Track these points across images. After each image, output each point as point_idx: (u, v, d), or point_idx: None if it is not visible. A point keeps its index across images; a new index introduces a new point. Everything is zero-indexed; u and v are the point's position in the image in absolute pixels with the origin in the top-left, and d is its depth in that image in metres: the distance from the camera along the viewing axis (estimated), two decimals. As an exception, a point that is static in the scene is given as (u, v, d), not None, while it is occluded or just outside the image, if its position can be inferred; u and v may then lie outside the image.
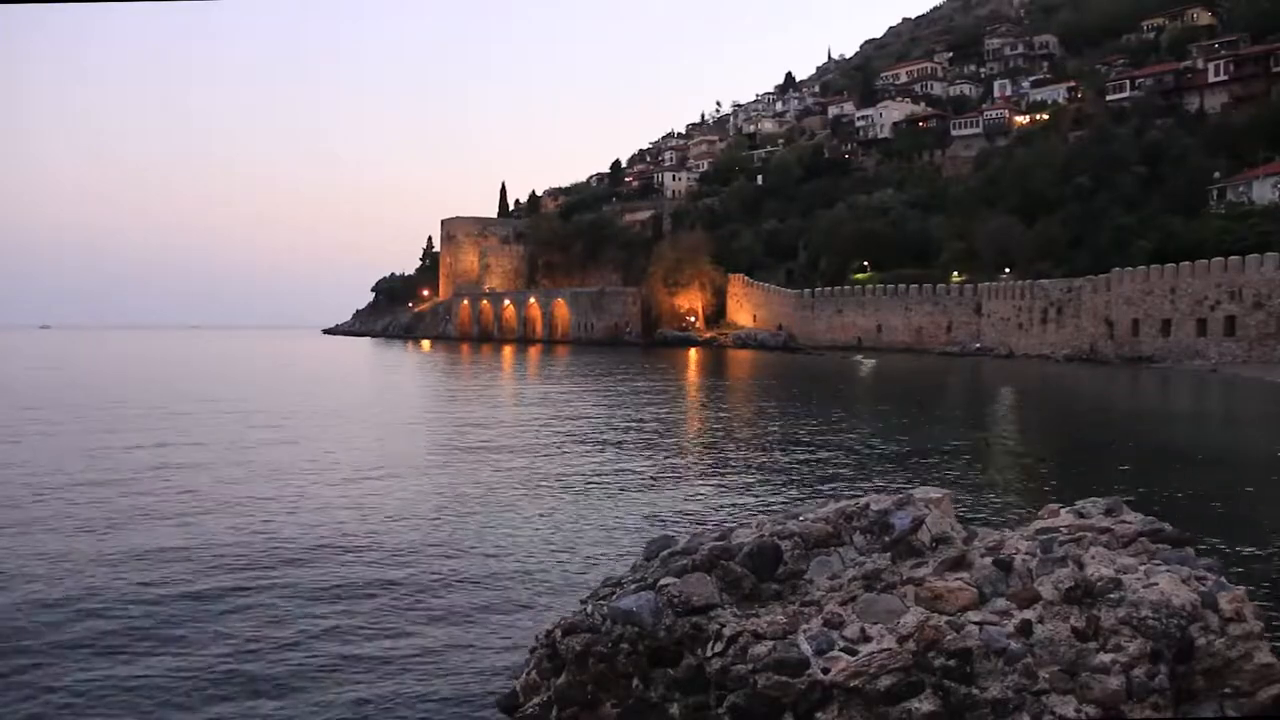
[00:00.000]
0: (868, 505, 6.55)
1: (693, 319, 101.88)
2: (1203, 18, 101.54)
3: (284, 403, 35.31)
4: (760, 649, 5.59)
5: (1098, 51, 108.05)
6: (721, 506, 15.09)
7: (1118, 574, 5.54)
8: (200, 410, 31.38)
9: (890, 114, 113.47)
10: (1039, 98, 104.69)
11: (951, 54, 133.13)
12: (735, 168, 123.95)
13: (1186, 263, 57.68)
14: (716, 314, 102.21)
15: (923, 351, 76.83)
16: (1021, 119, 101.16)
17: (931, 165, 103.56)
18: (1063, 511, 6.90)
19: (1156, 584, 5.40)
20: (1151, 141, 78.56)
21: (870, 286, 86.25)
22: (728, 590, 6.09)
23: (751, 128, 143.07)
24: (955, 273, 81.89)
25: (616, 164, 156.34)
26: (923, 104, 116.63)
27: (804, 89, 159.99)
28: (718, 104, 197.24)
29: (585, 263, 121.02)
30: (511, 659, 7.95)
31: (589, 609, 6.32)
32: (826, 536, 6.36)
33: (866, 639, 5.49)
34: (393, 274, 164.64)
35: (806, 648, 5.51)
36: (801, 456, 20.68)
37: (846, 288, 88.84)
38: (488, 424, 28.26)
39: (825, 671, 5.38)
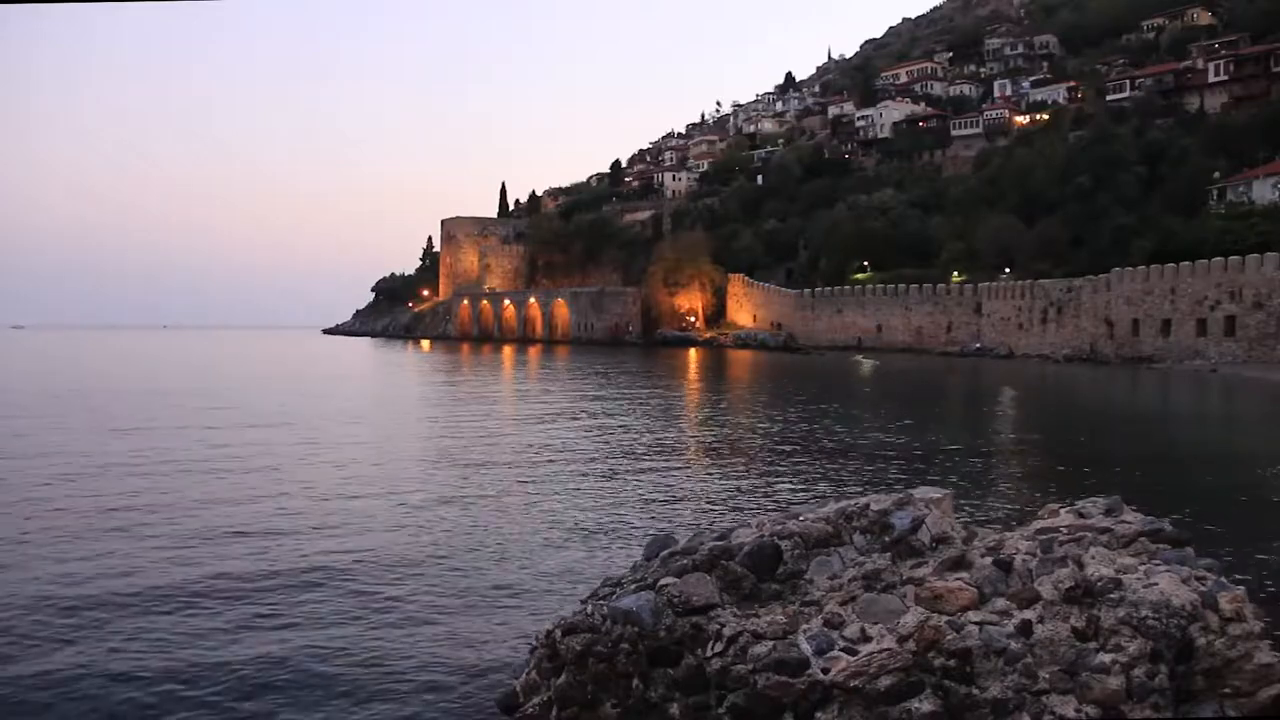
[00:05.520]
0: (868, 505, 6.55)
1: (693, 319, 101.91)
2: (1203, 18, 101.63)
3: (280, 402, 35.29)
4: (760, 649, 5.59)
5: (1098, 51, 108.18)
6: (721, 506, 15.08)
7: (1118, 574, 5.54)
8: (194, 408, 31.38)
9: (890, 114, 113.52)
10: (1039, 98, 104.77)
11: (951, 54, 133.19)
12: (735, 168, 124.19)
13: (1186, 263, 57.69)
14: (716, 314, 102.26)
15: (923, 351, 76.82)
16: (1021, 119, 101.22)
17: (931, 165, 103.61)
18: (1063, 511, 6.90)
19: (1156, 584, 5.40)
20: (1151, 141, 78.58)
21: (870, 286, 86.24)
22: (728, 590, 6.09)
23: (751, 128, 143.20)
24: (955, 273, 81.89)
25: (616, 164, 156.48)
26: (923, 104, 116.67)
27: (804, 89, 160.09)
28: (718, 104, 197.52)
29: (585, 263, 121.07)
30: (511, 659, 7.94)
31: (589, 609, 6.32)
32: (826, 536, 6.36)
33: (866, 639, 5.49)
34: (393, 274, 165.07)
35: (806, 648, 5.51)
36: (801, 456, 20.67)
37: (846, 288, 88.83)
38: (487, 424, 28.26)
39: (825, 671, 5.38)
